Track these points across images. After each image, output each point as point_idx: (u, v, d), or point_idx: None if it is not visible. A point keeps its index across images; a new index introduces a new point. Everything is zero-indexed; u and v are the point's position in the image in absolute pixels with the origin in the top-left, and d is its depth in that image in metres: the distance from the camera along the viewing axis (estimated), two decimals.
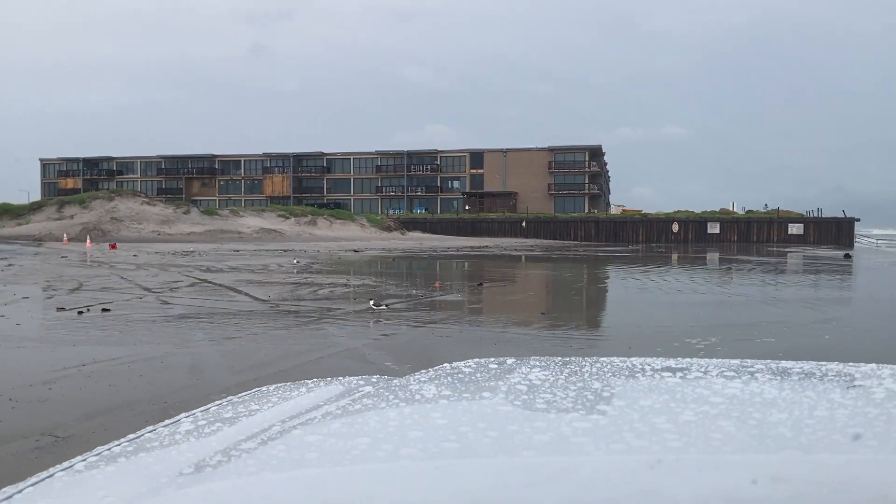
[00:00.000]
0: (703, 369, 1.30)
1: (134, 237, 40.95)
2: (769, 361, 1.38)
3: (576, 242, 54.23)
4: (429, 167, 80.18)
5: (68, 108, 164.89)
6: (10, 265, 20.48)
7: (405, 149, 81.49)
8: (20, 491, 0.85)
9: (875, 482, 0.74)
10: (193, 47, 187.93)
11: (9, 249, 29.44)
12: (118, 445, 1.04)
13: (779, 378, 1.24)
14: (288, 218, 51.75)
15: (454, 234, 58.95)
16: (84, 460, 0.96)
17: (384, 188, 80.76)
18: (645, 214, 65.97)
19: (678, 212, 64.87)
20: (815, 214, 61.69)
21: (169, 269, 19.47)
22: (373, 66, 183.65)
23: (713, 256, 35.00)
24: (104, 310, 10.67)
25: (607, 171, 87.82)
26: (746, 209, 69.03)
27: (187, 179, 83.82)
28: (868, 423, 0.95)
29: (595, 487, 0.74)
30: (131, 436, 1.10)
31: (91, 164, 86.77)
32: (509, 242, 48.09)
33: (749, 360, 1.39)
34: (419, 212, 74.22)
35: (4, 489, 0.86)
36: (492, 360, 1.49)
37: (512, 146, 77.80)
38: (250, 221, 48.86)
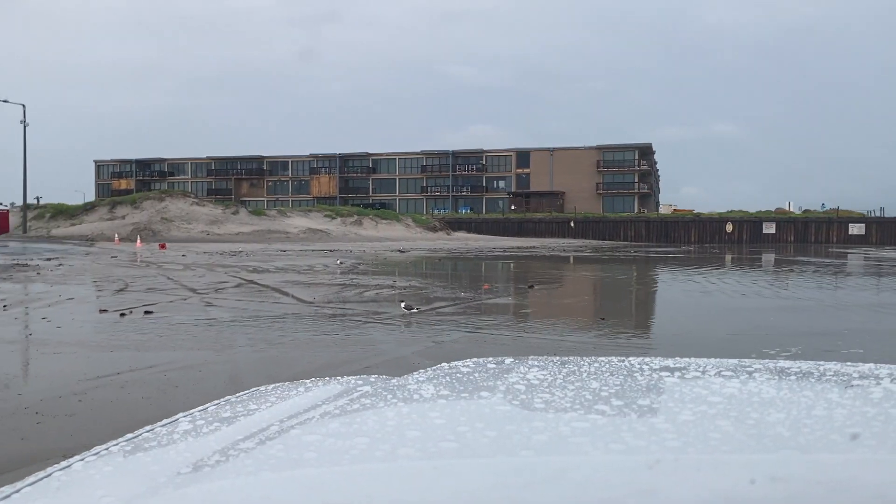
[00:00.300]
0: (701, 369, 1.29)
1: (183, 237, 41.39)
2: (767, 361, 1.37)
3: (625, 243, 53.01)
4: (474, 167, 79.65)
5: (122, 112, 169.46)
6: (60, 265, 20.63)
7: (450, 148, 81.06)
8: (18, 491, 0.84)
9: (873, 482, 0.74)
10: (243, 51, 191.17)
11: (61, 249, 29.90)
12: (116, 445, 1.04)
13: (777, 378, 1.23)
14: (334, 218, 51.81)
15: (500, 235, 58.29)
16: (82, 460, 0.96)
17: (429, 188, 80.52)
18: (697, 214, 64.27)
19: (731, 211, 63.02)
20: (878, 214, 59.18)
21: (216, 270, 19.33)
22: (418, 67, 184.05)
23: (772, 258, 33.60)
24: (147, 312, 10.40)
25: (657, 170, 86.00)
26: (803, 209, 66.74)
27: (236, 180, 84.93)
28: (866, 423, 0.95)
29: (593, 487, 0.74)
30: (129, 435, 1.09)
31: (143, 165, 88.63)
32: (557, 243, 47.21)
33: (747, 360, 1.38)
34: (464, 212, 73.76)
35: (3, 489, 0.84)
36: (490, 359, 1.48)
37: (559, 145, 76.75)
38: (297, 222, 49.04)
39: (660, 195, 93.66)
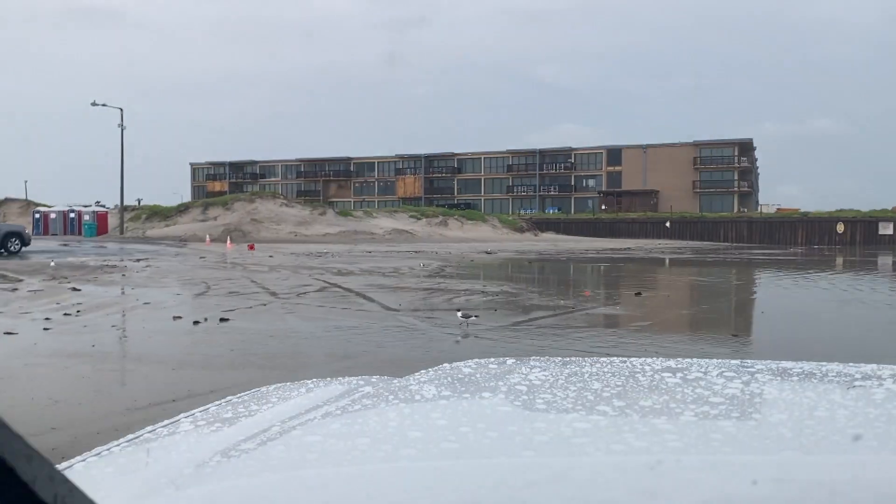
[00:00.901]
0: (703, 370, 1.27)
1: (272, 238, 41.60)
2: (769, 362, 1.35)
3: (725, 244, 49.94)
4: (562, 165, 77.59)
5: (218, 116, 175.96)
6: (147, 266, 20.52)
7: (537, 147, 79.29)
8: None
9: (876, 483, 0.73)
10: (332, 55, 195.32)
11: (152, 250, 30.27)
12: (117, 446, 1.02)
13: (779, 378, 1.21)
14: (419, 219, 51.16)
15: (590, 236, 56.20)
16: (83, 461, 0.95)
17: (515, 188, 79.01)
18: (804, 214, 60.15)
19: (841, 210, 58.60)
20: None
21: (300, 272, 18.68)
22: (504, 68, 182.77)
23: None
24: (222, 320, 9.60)
25: (757, 168, 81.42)
26: None
27: (324, 182, 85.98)
28: (868, 424, 0.94)
29: (595, 488, 0.74)
30: (130, 436, 1.07)
31: (236, 167, 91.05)
32: (652, 244, 44.87)
33: (749, 361, 1.36)
34: (552, 212, 71.90)
35: None
36: (492, 360, 1.47)
37: (652, 142, 73.74)
38: (383, 222, 48.65)
39: (759, 194, 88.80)
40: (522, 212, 71.98)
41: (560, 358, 1.49)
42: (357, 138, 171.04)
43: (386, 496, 0.75)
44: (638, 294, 14.00)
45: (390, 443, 0.93)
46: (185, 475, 0.85)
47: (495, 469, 0.81)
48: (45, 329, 8.62)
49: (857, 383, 1.16)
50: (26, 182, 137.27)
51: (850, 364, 1.34)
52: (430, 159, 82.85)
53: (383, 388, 1.27)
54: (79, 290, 13.35)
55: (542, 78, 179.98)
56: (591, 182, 76.67)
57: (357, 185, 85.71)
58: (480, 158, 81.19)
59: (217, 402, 1.31)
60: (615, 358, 1.47)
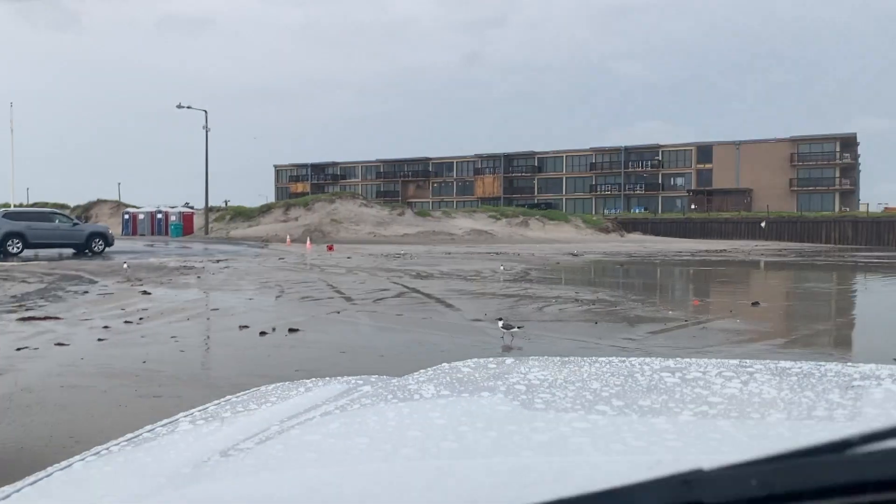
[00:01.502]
0: (701, 370, 1.28)
1: (351, 238, 41.23)
2: (768, 362, 1.36)
3: (828, 246, 46.43)
4: (648, 163, 74.65)
5: (301, 119, 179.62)
6: (226, 267, 20.09)
7: (621, 144, 76.59)
8: (18, 490, 0.84)
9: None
10: (410, 57, 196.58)
11: (233, 250, 30.17)
12: (116, 445, 1.02)
13: (777, 378, 1.21)
14: (499, 219, 49.85)
15: (679, 236, 53.52)
16: (82, 460, 0.95)
17: (599, 187, 76.57)
18: None
19: None
20: None
21: (378, 275, 17.76)
22: (584, 66, 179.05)
23: None
24: (291, 330, 8.65)
25: (859, 165, 76.11)
26: None
27: (403, 182, 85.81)
28: (867, 424, 0.92)
29: (594, 488, 0.73)
30: (129, 435, 1.07)
31: (318, 169, 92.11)
32: (749, 246, 42.06)
33: (748, 361, 1.36)
34: (637, 211, 69.22)
35: (3, 488, 0.84)
36: (490, 359, 1.48)
37: (744, 138, 69.94)
38: (461, 223, 47.62)
39: (860, 193, 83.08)
40: (606, 211, 69.58)
41: (559, 357, 1.49)
42: (436, 138, 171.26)
43: (385, 496, 0.74)
44: (755, 304, 12.32)
45: (389, 442, 0.93)
46: (184, 474, 0.85)
47: (494, 469, 0.81)
48: (98, 340, 7.85)
49: (855, 383, 1.17)
50: (119, 184, 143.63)
51: (849, 364, 1.33)
52: (509, 158, 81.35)
53: (382, 388, 1.26)
54: (149, 293, 12.78)
55: (623, 75, 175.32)
56: (680, 180, 73.43)
57: (435, 185, 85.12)
58: (562, 157, 79.08)
59: (216, 402, 1.28)
60: (613, 357, 1.47)
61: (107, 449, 1.01)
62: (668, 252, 33.65)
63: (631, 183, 75.12)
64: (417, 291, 13.76)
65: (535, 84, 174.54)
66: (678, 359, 1.41)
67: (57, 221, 25.52)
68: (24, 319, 9.27)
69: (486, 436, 0.93)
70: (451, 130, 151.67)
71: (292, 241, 38.63)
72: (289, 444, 0.95)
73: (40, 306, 10.85)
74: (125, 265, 18.08)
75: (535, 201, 72.29)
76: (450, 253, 29.75)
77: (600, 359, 1.45)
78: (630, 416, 1.01)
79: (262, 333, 8.47)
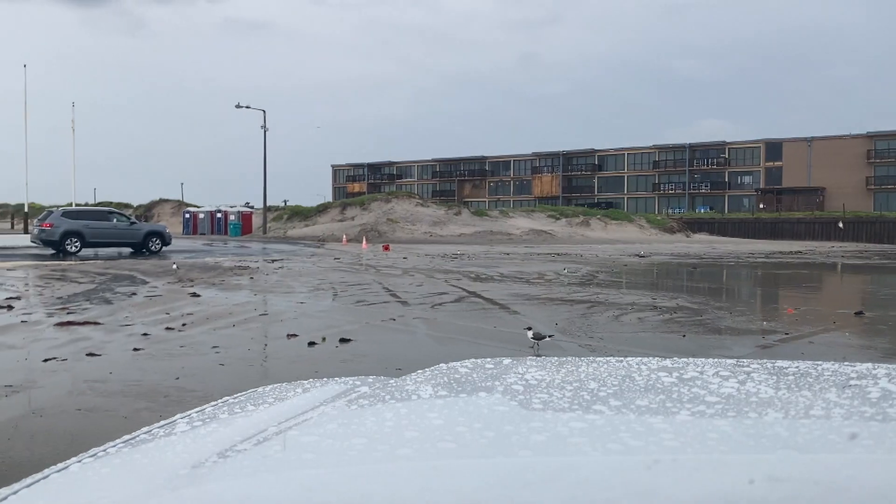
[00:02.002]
0: (699, 369, 1.28)
1: (407, 238, 40.58)
2: (765, 361, 1.35)
3: None
4: (714, 161, 71.96)
5: (358, 120, 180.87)
6: (280, 267, 19.56)
7: (686, 142, 74.01)
8: (15, 492, 0.84)
9: (871, 481, 0.73)
10: (466, 56, 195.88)
11: (289, 250, 29.80)
12: (113, 446, 1.02)
13: (775, 378, 1.21)
14: (558, 219, 48.47)
15: (748, 237, 51.16)
16: (79, 461, 0.95)
17: (661, 186, 74.19)
18: None
19: None
20: None
21: (435, 277, 16.90)
22: (641, 63, 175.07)
23: None
24: (343, 340, 7.83)
25: None
26: None
27: (459, 181, 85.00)
28: (864, 423, 0.95)
29: (592, 488, 0.74)
30: (126, 437, 1.06)
31: (374, 168, 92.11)
32: (824, 247, 39.70)
33: (745, 360, 1.36)
34: (702, 211, 66.67)
35: (0, 490, 0.84)
36: (488, 360, 1.47)
37: (817, 134, 66.64)
38: (519, 222, 46.45)
39: None
40: (670, 211, 67.33)
41: (556, 357, 1.49)
42: (492, 137, 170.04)
43: (382, 496, 0.74)
44: (859, 314, 10.95)
45: (387, 443, 0.92)
46: (182, 476, 0.84)
47: (492, 469, 0.81)
48: (134, 350, 7.17)
49: (852, 382, 1.17)
50: (182, 184, 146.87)
51: (846, 363, 1.33)
52: (568, 157, 79.63)
53: (380, 389, 1.26)
54: (198, 296, 12.19)
55: (682, 72, 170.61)
56: (747, 179, 70.53)
57: (492, 184, 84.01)
58: (623, 155, 76.95)
59: (213, 403, 1.27)
60: (611, 357, 1.47)
61: (104, 450, 1.00)
62: (739, 254, 31.84)
63: (696, 181, 72.54)
64: (478, 296, 12.83)
65: (592, 82, 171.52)
66: (675, 358, 1.41)
67: (115, 220, 25.52)
68: (61, 325, 8.70)
69: (483, 436, 0.93)
70: (508, 129, 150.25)
71: (348, 240, 38.20)
72: (286, 445, 0.95)
73: (84, 309, 10.33)
74: (174, 266, 17.67)
75: (595, 200, 70.50)
76: (508, 254, 28.72)
77: (597, 359, 1.45)
78: (628, 416, 1.00)
79: (311, 344, 7.67)
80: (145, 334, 8.11)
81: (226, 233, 48.13)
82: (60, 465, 0.94)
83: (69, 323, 8.80)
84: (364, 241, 34.88)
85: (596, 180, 78.11)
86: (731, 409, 1.03)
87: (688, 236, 48.85)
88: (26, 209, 30.76)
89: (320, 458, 0.89)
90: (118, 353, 7.03)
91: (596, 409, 1.05)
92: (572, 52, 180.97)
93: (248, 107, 46.45)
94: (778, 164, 68.41)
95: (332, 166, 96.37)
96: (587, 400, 1.11)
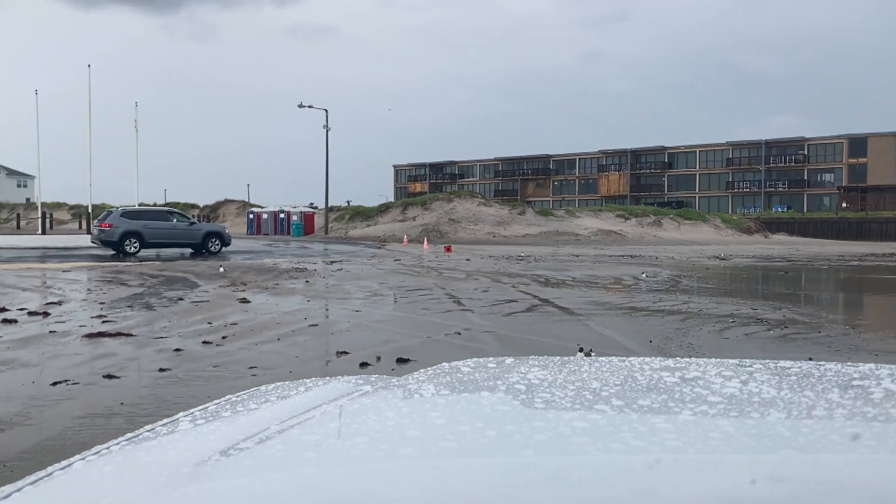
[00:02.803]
0: (701, 369, 1.28)
1: (469, 238, 39.41)
2: (768, 361, 1.35)
3: None
4: (792, 158, 68.29)
5: (420, 121, 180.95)
6: (338, 269, 18.65)
7: (762, 138, 70.50)
8: (19, 490, 0.84)
9: (874, 482, 0.74)
10: (529, 55, 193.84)
11: (350, 251, 29.01)
12: (117, 445, 1.02)
13: (777, 378, 1.21)
14: (628, 218, 46.48)
15: (830, 238, 48.07)
16: (83, 459, 0.95)
17: (735, 184, 70.90)
18: None
19: None
20: None
21: (501, 281, 15.64)
22: (710, 59, 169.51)
23: None
24: (400, 361, 6.68)
25: None
26: None
27: (522, 181, 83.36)
28: (866, 423, 0.94)
29: (594, 487, 0.74)
30: (129, 435, 1.07)
31: (436, 168, 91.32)
32: None
33: (747, 360, 1.36)
34: (780, 210, 63.31)
35: (3, 488, 0.84)
36: (490, 359, 1.47)
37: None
38: (587, 222, 44.68)
39: None
40: (744, 210, 64.16)
41: (559, 357, 1.48)
42: (556, 136, 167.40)
43: (384, 496, 0.74)
44: None
45: (389, 442, 0.92)
46: (184, 474, 0.84)
47: (494, 468, 0.81)
48: (159, 371, 6.17)
49: (855, 382, 1.16)
50: (248, 185, 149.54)
51: (849, 363, 1.32)
52: (636, 154, 76.99)
53: (382, 388, 1.26)
54: (247, 301, 11.27)
55: (750, 67, 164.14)
56: (828, 176, 66.69)
57: (556, 183, 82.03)
58: (695, 152, 73.90)
59: (216, 401, 1.27)
60: (613, 357, 1.47)
61: (107, 448, 0.99)
62: (828, 256, 29.46)
63: (772, 179, 69.02)
64: (551, 304, 11.52)
65: (660, 79, 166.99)
66: (677, 358, 1.39)
67: (174, 220, 25.15)
68: (90, 336, 7.82)
69: (485, 435, 0.92)
70: (572, 127, 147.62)
71: (409, 241, 37.29)
72: (288, 443, 0.95)
73: (122, 317, 9.49)
74: (220, 268, 16.91)
75: (665, 199, 67.86)
76: (577, 255, 27.21)
77: (600, 358, 1.44)
78: (630, 416, 1.00)
79: (364, 365, 6.54)
80: (178, 350, 7.13)
81: (288, 233, 47.99)
82: (64, 463, 0.93)
83: (100, 334, 7.92)
84: (425, 242, 33.89)
85: (666, 178, 75.25)
86: (734, 409, 1.03)
87: (766, 237, 46.16)
88: (90, 209, 30.91)
89: (322, 457, 0.88)
90: (140, 376, 6.04)
91: (598, 408, 1.05)
92: (638, 48, 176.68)
93: (310, 106, 46.15)
94: (862, 160, 64.38)
95: (394, 166, 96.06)
96: (589, 399, 1.11)
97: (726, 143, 71.94)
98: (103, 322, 8.93)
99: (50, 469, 0.91)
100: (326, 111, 46.89)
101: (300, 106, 46.12)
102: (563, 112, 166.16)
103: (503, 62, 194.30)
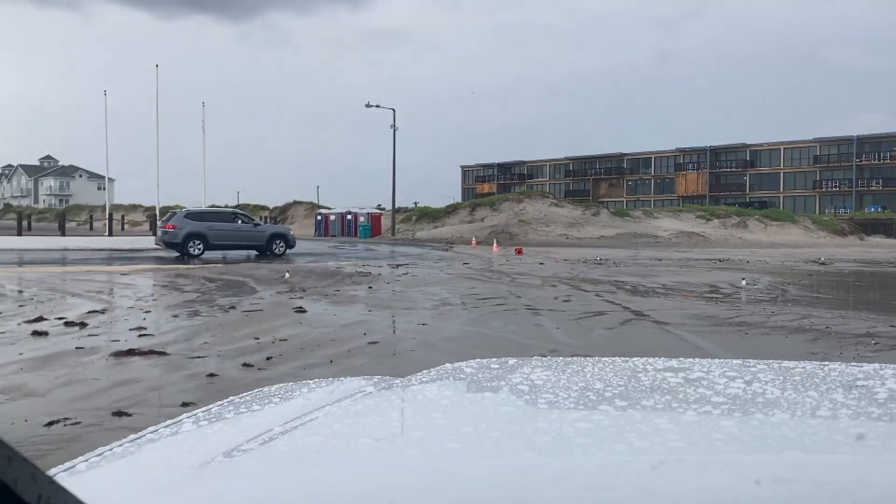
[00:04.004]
0: (705, 370, 1.27)
1: (541, 241, 37.82)
2: (772, 362, 1.33)
3: None
4: (887, 155, 63.75)
5: (487, 122, 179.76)
6: (404, 273, 17.51)
7: (853, 134, 66.11)
8: None
9: (878, 483, 0.73)
10: (599, 54, 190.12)
11: (416, 253, 27.93)
12: (120, 446, 1.01)
13: (781, 378, 1.20)
14: (709, 219, 43.92)
15: None
16: (86, 461, 0.94)
17: (824, 182, 66.74)
18: None
19: None
20: None
21: (583, 289, 14.15)
22: (790, 54, 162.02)
23: None
24: None
25: None
26: None
27: (594, 180, 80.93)
28: (871, 424, 0.94)
29: (597, 488, 0.73)
30: (133, 436, 1.06)
31: (504, 168, 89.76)
32: None
33: (751, 360, 1.34)
34: (874, 210, 59.12)
35: None
36: (493, 360, 1.46)
37: None
38: (666, 223, 42.39)
39: None
40: (835, 210, 60.21)
41: (562, 358, 1.46)
42: (628, 135, 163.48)
43: (388, 497, 0.74)
44: None
45: (392, 443, 0.92)
46: (188, 475, 0.84)
47: (497, 469, 0.81)
48: (182, 406, 5.02)
49: (859, 383, 1.15)
50: (318, 187, 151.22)
51: (853, 364, 1.30)
52: (716, 152, 73.50)
53: (385, 389, 1.25)
54: (303, 311, 10.19)
55: (834, 63, 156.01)
56: None
57: (630, 182, 79.24)
58: (779, 149, 69.94)
59: (219, 403, 1.26)
60: (617, 358, 1.43)
61: (110, 450, 0.99)
62: None
63: (864, 178, 64.65)
64: (645, 317, 10.01)
65: (737, 76, 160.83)
66: (681, 359, 1.39)
67: (239, 222, 24.57)
68: (119, 355, 6.81)
69: (489, 436, 0.92)
70: (646, 125, 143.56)
71: (478, 242, 35.99)
72: (292, 444, 0.95)
73: (165, 329, 8.51)
74: (286, 274, 15.97)
75: (747, 199, 64.39)
76: (660, 259, 25.34)
77: (603, 359, 1.41)
78: (633, 416, 0.99)
79: None
80: (212, 375, 6.00)
81: (355, 234, 47.44)
82: (68, 465, 0.92)
83: (129, 352, 6.89)
84: (494, 244, 32.53)
85: (748, 177, 71.53)
86: (738, 410, 1.02)
87: (861, 239, 42.86)
88: (157, 211, 30.84)
89: (326, 459, 0.87)
90: (157, 412, 4.92)
91: (602, 409, 1.04)
92: (712, 46, 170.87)
93: (377, 105, 45.47)
94: None
95: (462, 167, 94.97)
96: (593, 400, 1.09)
97: (814, 139, 67.75)
98: (140, 336, 7.95)
99: (53, 471, 0.88)
100: (394, 110, 46.15)
101: (367, 105, 45.51)
102: (635, 111, 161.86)
103: (572, 62, 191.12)
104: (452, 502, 0.72)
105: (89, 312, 9.85)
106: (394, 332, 8.69)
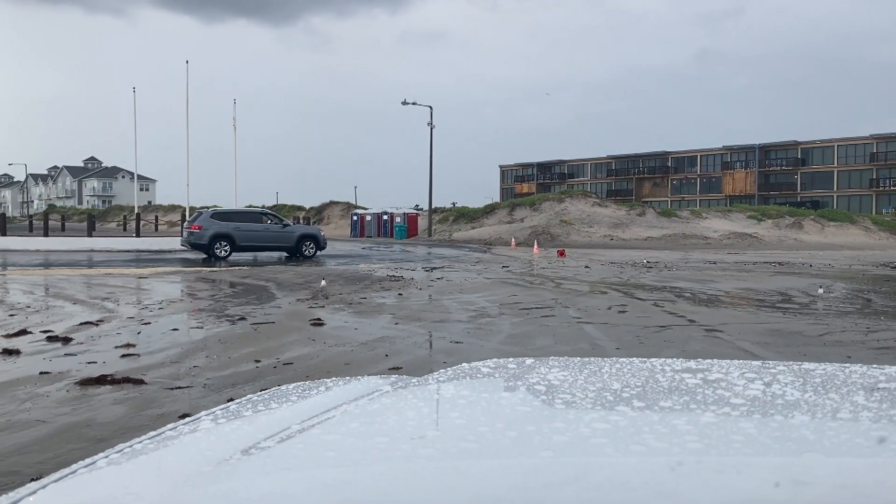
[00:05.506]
0: (723, 371, 1.27)
1: (583, 242, 36.19)
2: (791, 363, 1.33)
3: None
4: None
5: (527, 122, 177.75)
6: (438, 278, 16.22)
7: None
8: (44, 487, 0.85)
9: None
10: (640, 53, 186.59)
11: (452, 255, 26.61)
12: (139, 443, 1.03)
13: (801, 380, 1.20)
14: (761, 220, 41.73)
15: None
16: (106, 457, 0.95)
17: (881, 181, 63.57)
18: None
19: None
20: None
21: (636, 297, 12.66)
22: (837, 50, 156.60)
23: None
24: None
25: None
26: None
27: (637, 180, 78.65)
28: (892, 427, 0.93)
29: (614, 489, 0.73)
30: (152, 433, 1.08)
31: (544, 168, 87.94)
32: None
33: (771, 362, 1.35)
34: None
35: (29, 485, 0.85)
36: (510, 360, 1.46)
37: None
38: (715, 224, 40.36)
39: None
40: (893, 210, 57.17)
41: (579, 358, 1.47)
42: (672, 133, 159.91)
43: (404, 496, 0.74)
44: None
45: (409, 442, 0.92)
46: (205, 473, 0.85)
47: (514, 469, 0.81)
48: None
49: (881, 385, 1.13)
50: (356, 187, 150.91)
51: (874, 366, 1.30)
52: (765, 150, 70.64)
53: (402, 388, 1.26)
54: (321, 324, 8.96)
55: (884, 59, 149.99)
56: None
57: (675, 181, 76.76)
58: (832, 147, 66.88)
59: (237, 401, 1.27)
60: (634, 358, 1.44)
61: (130, 447, 1.00)
62: None
63: None
64: (717, 334, 8.53)
65: (782, 73, 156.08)
66: (699, 360, 1.39)
67: (268, 222, 23.55)
68: (85, 383, 5.61)
69: (505, 436, 0.92)
70: (689, 123, 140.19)
71: (517, 244, 34.55)
72: (309, 443, 0.96)
73: (155, 348, 7.32)
74: (322, 282, 14.73)
75: (798, 199, 61.63)
76: (714, 262, 23.60)
77: (620, 359, 1.42)
78: (651, 417, 0.99)
79: None
80: (185, 416, 4.74)
81: (391, 235, 46.40)
82: (88, 461, 0.93)
83: (100, 380, 5.70)
84: (535, 246, 31.06)
85: (799, 176, 68.58)
86: (757, 411, 1.01)
87: None
88: (186, 212, 30.09)
89: (342, 457, 0.88)
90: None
91: (619, 409, 1.03)
92: (755, 43, 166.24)
93: (414, 103, 44.31)
94: None
95: (500, 167, 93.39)
96: (610, 401, 1.09)
97: (870, 136, 64.55)
98: (123, 356, 6.77)
99: (74, 466, 0.90)
100: (431, 108, 44.97)
101: (404, 103, 44.39)
102: (677, 109, 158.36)
103: (612, 61, 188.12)
104: (469, 502, 0.71)
105: (81, 324, 8.74)
106: (420, 353, 7.37)
